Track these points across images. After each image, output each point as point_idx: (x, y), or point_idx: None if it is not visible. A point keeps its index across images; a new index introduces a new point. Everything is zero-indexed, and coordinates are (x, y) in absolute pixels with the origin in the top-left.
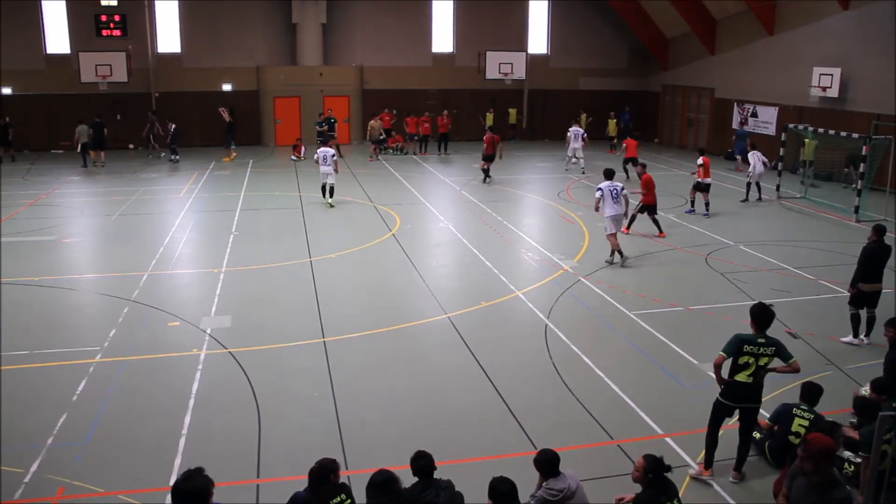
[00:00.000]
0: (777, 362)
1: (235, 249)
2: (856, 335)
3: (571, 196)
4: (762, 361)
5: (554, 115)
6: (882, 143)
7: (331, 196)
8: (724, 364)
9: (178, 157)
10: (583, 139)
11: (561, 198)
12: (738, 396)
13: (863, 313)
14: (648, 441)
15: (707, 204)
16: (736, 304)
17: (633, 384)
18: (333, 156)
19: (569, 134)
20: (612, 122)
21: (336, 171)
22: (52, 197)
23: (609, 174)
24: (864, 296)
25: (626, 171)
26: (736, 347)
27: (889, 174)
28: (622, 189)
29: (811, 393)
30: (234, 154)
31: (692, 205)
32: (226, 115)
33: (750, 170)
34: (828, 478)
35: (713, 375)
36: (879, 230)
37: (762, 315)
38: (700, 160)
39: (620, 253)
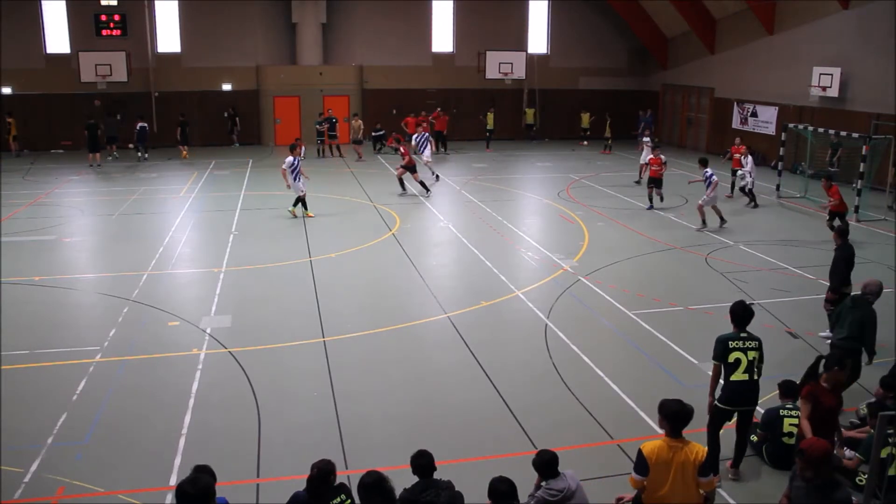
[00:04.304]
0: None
1: (235, 249)
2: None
3: (571, 195)
4: (751, 356)
5: (554, 115)
6: (882, 143)
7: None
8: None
9: (143, 156)
10: (430, 143)
11: (561, 197)
12: (736, 399)
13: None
14: (648, 441)
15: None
16: None
17: (633, 384)
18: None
19: (416, 138)
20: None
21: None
22: (52, 197)
23: (703, 162)
24: (844, 297)
25: (831, 227)
26: (722, 348)
27: (889, 174)
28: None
29: (790, 389)
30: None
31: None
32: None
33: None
34: (827, 479)
35: (710, 384)
36: (846, 233)
37: (742, 313)
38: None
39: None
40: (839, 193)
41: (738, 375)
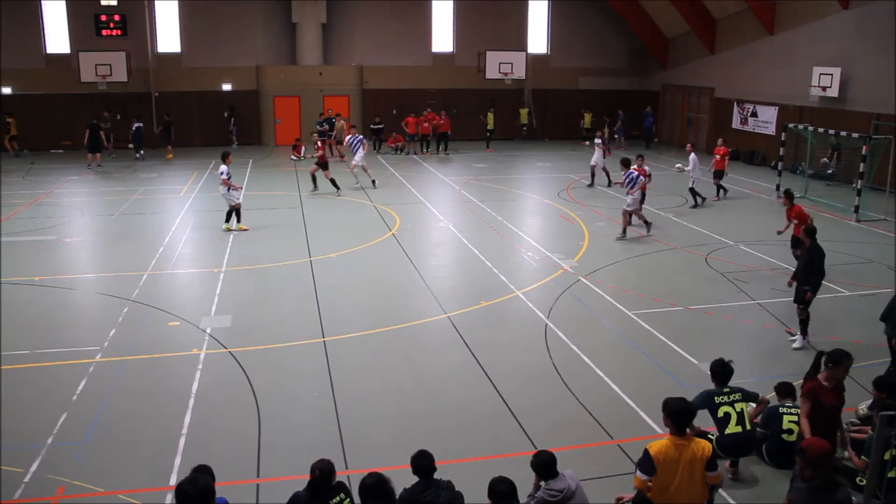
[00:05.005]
0: (751, 407)
1: (235, 249)
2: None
3: (571, 196)
4: (738, 407)
5: (554, 115)
6: (882, 143)
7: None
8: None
9: (140, 155)
10: (363, 145)
11: (561, 197)
12: (736, 451)
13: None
14: (648, 441)
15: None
16: (736, 304)
17: (633, 384)
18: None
19: (349, 140)
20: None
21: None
22: (52, 197)
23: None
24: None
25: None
26: (706, 401)
27: (889, 174)
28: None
29: (788, 390)
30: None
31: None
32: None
33: (689, 170)
34: (828, 479)
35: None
36: (814, 231)
37: (722, 371)
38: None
39: (648, 223)
40: (803, 214)
41: (732, 428)
